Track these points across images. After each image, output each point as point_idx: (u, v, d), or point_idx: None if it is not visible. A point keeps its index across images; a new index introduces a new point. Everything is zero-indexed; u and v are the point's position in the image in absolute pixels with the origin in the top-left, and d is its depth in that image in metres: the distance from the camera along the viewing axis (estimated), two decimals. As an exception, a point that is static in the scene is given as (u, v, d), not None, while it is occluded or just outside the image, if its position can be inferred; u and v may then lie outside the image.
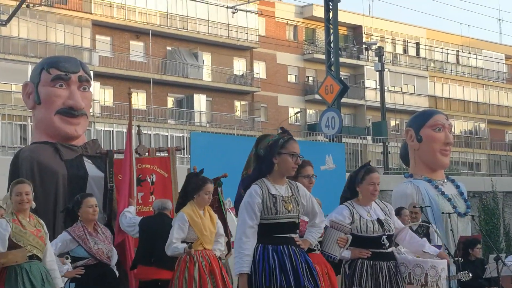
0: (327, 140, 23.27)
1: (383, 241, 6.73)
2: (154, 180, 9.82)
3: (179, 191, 10.05)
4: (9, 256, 7.10)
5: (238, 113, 48.78)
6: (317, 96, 35.95)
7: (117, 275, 8.30)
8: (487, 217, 19.09)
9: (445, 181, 13.11)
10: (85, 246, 8.02)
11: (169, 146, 11.46)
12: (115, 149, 10.55)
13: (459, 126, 54.79)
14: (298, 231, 5.94)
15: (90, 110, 10.83)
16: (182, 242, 8.02)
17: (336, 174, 11.17)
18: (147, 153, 9.99)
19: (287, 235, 5.77)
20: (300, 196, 5.90)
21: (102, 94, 42.18)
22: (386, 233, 6.76)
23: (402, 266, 6.84)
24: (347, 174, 13.30)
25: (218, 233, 8.42)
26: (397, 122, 52.43)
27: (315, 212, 6.02)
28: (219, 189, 9.61)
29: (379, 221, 6.79)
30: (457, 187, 13.17)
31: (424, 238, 7.68)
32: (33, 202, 7.34)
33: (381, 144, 30.32)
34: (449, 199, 12.70)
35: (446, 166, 13.58)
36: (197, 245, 8.07)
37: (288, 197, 5.80)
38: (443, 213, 12.26)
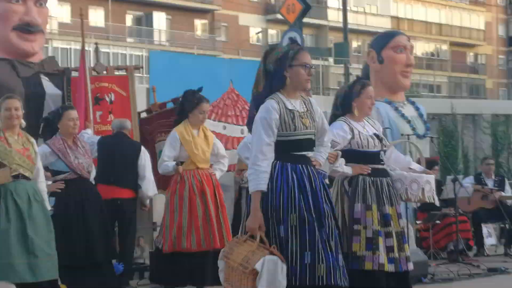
0: (288, 60, 23.11)
1: (381, 156, 6.65)
2: (112, 99, 9.70)
3: (138, 110, 9.98)
4: None
5: (198, 32, 48.37)
6: (278, 16, 35.64)
7: (96, 189, 8.12)
8: (446, 139, 19.28)
9: (405, 103, 13.14)
10: (65, 159, 7.72)
11: (127, 64, 11.31)
12: (72, 66, 10.38)
13: (420, 48, 54.90)
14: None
15: (47, 27, 10.61)
16: (175, 160, 7.96)
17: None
18: (105, 72, 9.86)
19: (305, 152, 5.42)
20: (314, 111, 5.53)
21: (59, 11, 41.49)
22: (383, 149, 6.69)
23: (398, 182, 6.76)
24: (308, 95, 13.28)
25: (219, 154, 8.32)
26: (359, 44, 52.40)
27: (324, 130, 5.64)
28: (178, 109, 9.52)
29: (376, 136, 6.69)
30: (417, 109, 13.21)
31: (407, 156, 7.67)
32: (22, 120, 6.92)
33: (342, 65, 30.31)
34: (408, 121, 12.74)
35: (407, 88, 13.58)
36: (189, 164, 7.99)
37: (304, 112, 5.43)
38: (402, 135, 12.31)
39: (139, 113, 10.02)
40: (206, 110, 8.18)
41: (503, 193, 12.35)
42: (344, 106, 6.71)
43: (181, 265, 7.92)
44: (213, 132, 10.18)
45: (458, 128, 24.36)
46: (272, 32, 51.19)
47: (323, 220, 5.28)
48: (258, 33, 49.37)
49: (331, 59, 35.41)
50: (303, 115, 5.40)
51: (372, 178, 6.53)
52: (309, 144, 5.46)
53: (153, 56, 10.76)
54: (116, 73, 10.08)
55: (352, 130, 6.55)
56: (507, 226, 12.10)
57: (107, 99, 9.70)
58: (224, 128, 10.30)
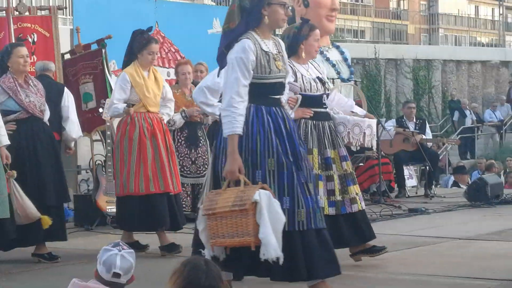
0: (214, 3, 23.04)
1: (324, 100, 6.60)
2: (35, 39, 9.56)
3: (61, 52, 9.87)
4: None
5: (122, -27, 47.63)
6: (203, -42, 35.29)
7: (50, 130, 7.75)
8: (369, 83, 19.53)
9: (330, 47, 13.23)
10: (16, 98, 7.31)
11: (51, 5, 11.12)
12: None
13: (344, -7, 55.06)
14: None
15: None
16: (125, 103, 7.67)
17: (222, 37, 11.10)
18: (27, 12, 9.69)
19: (277, 96, 5.27)
20: (284, 53, 5.38)
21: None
22: (326, 92, 6.65)
23: (340, 125, 6.70)
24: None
25: (167, 97, 8.03)
26: (283, -13, 52.19)
27: (287, 71, 5.46)
28: (103, 50, 9.45)
29: (319, 79, 6.62)
30: (342, 53, 13.32)
31: (350, 99, 7.64)
32: None
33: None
34: (333, 65, 12.86)
35: (332, 32, 13.68)
36: (140, 107, 7.72)
37: (276, 54, 5.26)
38: (327, 78, 12.42)
39: (62, 55, 9.90)
40: (155, 50, 7.82)
41: (423, 136, 12.59)
42: (290, 48, 6.47)
43: (133, 208, 7.67)
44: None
45: (381, 72, 24.67)
46: (196, -26, 50.70)
47: (300, 163, 5.17)
48: (182, -25, 48.88)
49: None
50: (276, 57, 5.26)
51: (314, 121, 6.49)
52: (282, 87, 5.33)
53: (76, -3, 10.59)
54: (39, 13, 9.91)
55: (295, 73, 6.45)
56: (427, 168, 12.36)
57: (30, 39, 9.56)
58: (150, 70, 10.23)
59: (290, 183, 5.07)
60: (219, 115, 5.29)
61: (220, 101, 6.41)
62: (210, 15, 11.25)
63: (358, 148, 7.43)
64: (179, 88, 9.25)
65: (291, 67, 6.34)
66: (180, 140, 9.40)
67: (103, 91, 9.44)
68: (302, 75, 6.49)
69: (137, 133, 7.66)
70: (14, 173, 6.85)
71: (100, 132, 9.65)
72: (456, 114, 25.07)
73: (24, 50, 7.50)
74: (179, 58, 10.02)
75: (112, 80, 9.57)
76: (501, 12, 53.64)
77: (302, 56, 6.57)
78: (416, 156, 12.16)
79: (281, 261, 4.80)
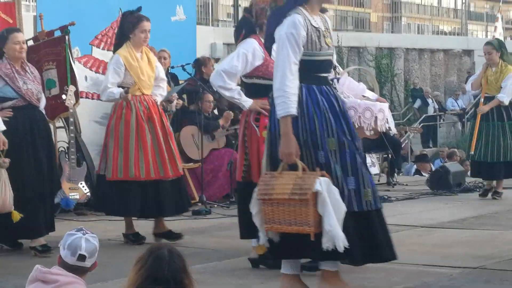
0: (177, -10, 22.92)
1: (334, 84, 6.32)
2: (-2, 26, 9.46)
3: (25, 38, 9.77)
4: None
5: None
6: None
7: (46, 118, 7.59)
8: (332, 71, 19.56)
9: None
10: (13, 85, 7.08)
11: (13, -9, 10.96)
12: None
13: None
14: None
15: None
16: (119, 86, 7.49)
17: (186, 25, 11.08)
18: (-11, -2, 9.60)
19: (326, 74, 5.10)
20: (331, 30, 5.17)
21: None
22: (336, 76, 6.39)
23: (351, 110, 6.50)
24: (198, 26, 13.27)
25: (159, 77, 7.81)
26: (246, -26, 52.21)
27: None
28: (66, 37, 9.39)
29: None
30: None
31: (361, 83, 7.51)
32: None
33: (231, -4, 30.16)
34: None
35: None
36: (135, 90, 7.53)
37: (325, 30, 5.05)
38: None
39: (26, 41, 9.81)
40: (147, 28, 7.55)
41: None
42: None
43: (132, 194, 7.49)
44: (102, 61, 10.13)
45: (343, 60, 24.77)
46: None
47: (356, 142, 5.02)
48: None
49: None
50: (325, 34, 5.06)
51: None
52: (330, 65, 5.17)
53: (39, -17, 10.49)
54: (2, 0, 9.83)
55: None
56: (389, 156, 12.45)
57: (-8, 25, 9.46)
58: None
59: (353, 163, 4.91)
60: (271, 97, 5.08)
61: (239, 84, 6.34)
62: (174, 2, 11.21)
63: (372, 132, 7.39)
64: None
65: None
66: None
67: (66, 78, 9.37)
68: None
69: (134, 117, 7.48)
70: (7, 161, 6.63)
71: (63, 119, 9.59)
72: (418, 102, 25.26)
73: (20, 36, 7.34)
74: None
75: (76, 67, 9.52)
76: (463, 1, 54.01)
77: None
78: (378, 143, 12.23)
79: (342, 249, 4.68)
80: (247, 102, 6.20)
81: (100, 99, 8.08)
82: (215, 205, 10.03)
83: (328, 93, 5.00)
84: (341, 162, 4.89)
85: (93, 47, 10.14)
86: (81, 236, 4.03)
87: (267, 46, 5.38)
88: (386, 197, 10.41)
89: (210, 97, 10.46)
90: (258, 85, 6.21)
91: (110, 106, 8.79)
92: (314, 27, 4.96)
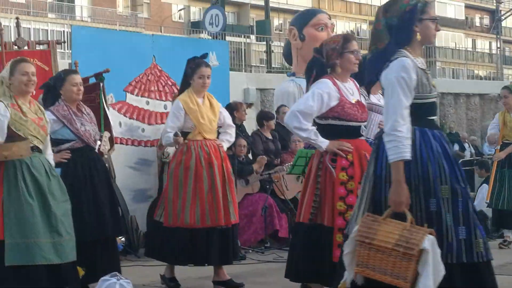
0: (210, 38, 23.17)
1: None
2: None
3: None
4: (13, 148, 6.03)
5: (120, 8, 47.89)
6: (201, -7, 35.56)
7: (103, 160, 7.52)
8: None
9: (327, 80, 13.30)
10: (71, 126, 7.04)
11: (49, 39, 11.17)
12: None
13: (341, 26, 55.32)
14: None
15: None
16: (180, 131, 7.48)
17: (219, 71, 11.14)
18: (26, 46, 9.73)
19: (435, 117, 4.96)
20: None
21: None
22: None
23: None
24: (231, 72, 13.34)
25: (226, 123, 7.78)
26: (280, 22, 52.56)
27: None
28: (100, 84, 9.48)
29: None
30: (339, 85, 13.39)
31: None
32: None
33: (264, 43, 30.37)
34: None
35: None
36: (195, 135, 7.51)
37: (427, 71, 4.95)
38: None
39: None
40: (205, 74, 7.58)
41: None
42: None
43: (183, 241, 7.42)
44: (136, 107, 10.21)
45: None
46: (194, 9, 51.01)
47: (467, 190, 4.84)
48: (180, 10, 49.13)
49: (253, 37, 35.45)
50: (429, 76, 4.94)
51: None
52: (436, 108, 5.04)
53: (75, 31, 10.63)
54: (38, 47, 9.97)
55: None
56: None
57: (29, 73, 9.57)
58: (147, 103, 10.26)
59: (465, 211, 4.72)
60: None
61: (313, 125, 6.21)
62: (207, 49, 11.26)
63: None
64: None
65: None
66: None
67: (100, 124, 9.44)
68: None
69: (193, 162, 7.43)
70: None
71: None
72: (455, 147, 25.12)
73: (78, 78, 7.31)
74: (176, 91, 10.03)
75: (110, 113, 9.60)
76: (498, 46, 53.87)
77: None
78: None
79: None
80: (323, 143, 6.08)
81: (160, 143, 8.06)
82: (250, 251, 9.99)
83: (440, 137, 4.86)
84: (453, 211, 4.71)
85: (127, 93, 10.22)
86: (115, 282, 4.03)
87: (368, 90, 5.37)
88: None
89: (243, 142, 10.49)
90: (333, 126, 6.14)
91: (145, 152, 8.85)
92: (422, 69, 4.86)
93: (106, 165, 9.02)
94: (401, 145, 4.65)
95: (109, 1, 46.81)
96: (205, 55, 7.78)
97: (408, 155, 4.65)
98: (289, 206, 10.54)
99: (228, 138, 7.81)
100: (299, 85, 12.71)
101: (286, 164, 10.52)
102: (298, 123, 6.09)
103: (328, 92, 6.14)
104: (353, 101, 6.18)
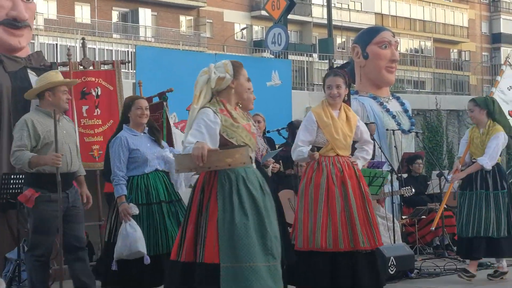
0: (273, 56, 23.20)
1: None
2: (99, 93, 9.70)
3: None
4: (236, 155, 5.35)
5: (183, 28, 48.30)
6: (263, 12, 35.69)
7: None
8: (430, 134, 19.29)
9: (390, 98, 13.22)
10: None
11: (114, 59, 11.31)
12: (59, 61, 10.37)
13: (405, 44, 55.03)
14: None
15: (34, 23, 10.60)
16: (312, 146, 6.95)
17: (282, 90, 11.16)
18: (91, 67, 9.86)
19: None
20: None
21: (45, 7, 41.37)
22: None
23: None
24: (293, 91, 13.34)
25: (363, 138, 7.18)
26: (343, 40, 52.46)
27: None
28: (164, 103, 9.55)
29: None
30: (402, 104, 13.29)
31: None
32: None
33: (327, 61, 30.30)
34: (393, 116, 12.82)
35: (392, 83, 13.68)
36: (328, 151, 6.94)
37: None
38: (387, 129, 12.38)
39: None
40: (335, 84, 7.02)
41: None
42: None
43: (320, 265, 6.80)
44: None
45: (442, 123, 24.45)
46: (256, 28, 51.18)
47: None
48: (243, 29, 49.34)
49: (315, 55, 35.43)
50: None
51: None
52: None
53: (139, 51, 10.76)
54: (103, 67, 10.10)
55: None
56: (491, 220, 12.07)
57: (94, 93, 9.70)
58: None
59: None
60: None
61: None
62: (269, 67, 11.35)
63: None
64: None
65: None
66: None
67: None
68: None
69: (324, 180, 6.87)
70: None
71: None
72: None
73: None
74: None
75: (175, 132, 9.66)
76: None
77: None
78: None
79: None
80: None
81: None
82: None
83: None
84: None
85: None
86: None
87: None
88: (488, 263, 9.65)
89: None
90: None
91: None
92: None
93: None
94: None
95: (173, 21, 47.26)
96: (346, 64, 7.28)
97: None
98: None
99: (364, 155, 7.24)
100: (362, 103, 12.65)
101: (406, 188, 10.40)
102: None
103: None
104: None
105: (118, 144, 7.24)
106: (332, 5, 32.39)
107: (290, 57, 25.38)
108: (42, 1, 40.25)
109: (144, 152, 7.25)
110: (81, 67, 9.75)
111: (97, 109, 9.65)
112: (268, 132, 10.31)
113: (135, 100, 7.44)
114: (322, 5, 47.26)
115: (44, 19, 40.83)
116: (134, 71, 11.50)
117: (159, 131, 7.62)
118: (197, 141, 5.31)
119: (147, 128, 7.48)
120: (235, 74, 5.68)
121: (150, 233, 7.06)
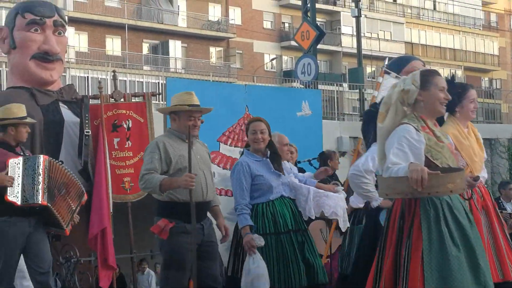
0: (303, 86, 23.24)
1: None
2: (130, 125, 9.76)
3: (155, 136, 10.04)
4: (457, 180, 4.73)
5: (213, 59, 48.57)
6: (293, 42, 35.81)
7: None
8: (463, 163, 19.32)
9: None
10: None
11: (145, 91, 11.35)
12: (90, 94, 10.46)
13: (435, 73, 54.92)
14: None
15: (65, 56, 10.71)
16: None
17: (312, 120, 11.13)
18: (122, 99, 9.93)
19: None
20: None
21: (76, 40, 41.81)
22: None
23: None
24: (324, 121, 13.33)
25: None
26: (373, 69, 52.46)
27: None
28: (195, 135, 9.58)
29: None
30: (433, 133, 13.25)
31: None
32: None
33: (357, 90, 30.29)
34: (425, 145, 12.77)
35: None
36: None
37: None
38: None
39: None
40: (475, 97, 6.41)
41: (521, 217, 12.22)
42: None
43: None
44: (229, 157, 10.26)
45: (474, 152, 24.30)
46: (286, 58, 51.35)
47: None
48: (273, 59, 49.52)
49: (345, 85, 35.42)
50: None
51: None
52: None
53: (170, 83, 10.80)
54: (134, 100, 10.16)
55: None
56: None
57: (125, 125, 9.76)
58: (241, 153, 10.32)
59: None
60: None
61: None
62: (299, 98, 11.33)
63: None
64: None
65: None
66: None
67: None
68: None
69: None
70: None
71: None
72: None
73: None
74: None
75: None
76: None
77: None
78: None
79: None
80: None
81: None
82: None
83: None
84: None
85: (220, 143, 10.28)
86: None
87: None
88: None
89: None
90: None
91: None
92: None
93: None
94: None
95: (203, 52, 47.53)
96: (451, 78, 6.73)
97: None
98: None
99: (484, 174, 6.54)
100: (393, 132, 12.61)
101: None
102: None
103: None
104: None
105: (239, 171, 6.96)
106: (362, 34, 32.44)
107: (320, 87, 25.40)
108: (74, 34, 40.68)
109: (268, 178, 6.93)
110: (112, 99, 9.82)
111: (128, 141, 9.70)
112: (299, 162, 10.30)
113: (250, 123, 7.08)
114: (352, 35, 47.33)
115: (76, 52, 41.28)
116: (165, 103, 11.55)
117: (279, 156, 7.25)
118: (411, 163, 4.68)
119: (268, 152, 7.09)
120: (423, 84, 5.03)
121: (280, 266, 6.71)
